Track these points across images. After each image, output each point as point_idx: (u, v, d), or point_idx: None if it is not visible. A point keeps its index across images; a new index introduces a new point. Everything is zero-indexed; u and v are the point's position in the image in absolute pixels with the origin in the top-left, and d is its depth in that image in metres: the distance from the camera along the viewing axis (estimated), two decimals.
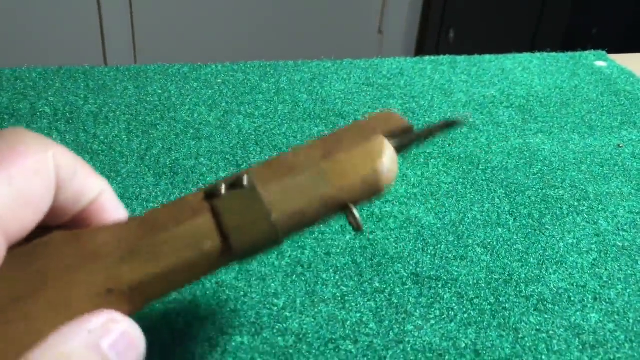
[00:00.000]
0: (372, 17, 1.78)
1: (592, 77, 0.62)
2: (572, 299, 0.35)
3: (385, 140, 0.25)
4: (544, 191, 0.44)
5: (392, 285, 0.35)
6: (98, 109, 0.50)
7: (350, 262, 0.36)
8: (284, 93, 0.54)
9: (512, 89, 0.58)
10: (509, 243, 0.39)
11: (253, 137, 0.48)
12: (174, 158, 0.45)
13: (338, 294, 0.34)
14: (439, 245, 0.38)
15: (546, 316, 0.34)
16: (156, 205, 0.37)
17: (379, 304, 0.34)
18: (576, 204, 0.43)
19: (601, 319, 0.34)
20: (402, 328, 0.32)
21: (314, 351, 0.31)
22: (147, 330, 0.31)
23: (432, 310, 0.33)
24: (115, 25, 1.56)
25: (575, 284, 0.36)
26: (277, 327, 0.32)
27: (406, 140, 0.27)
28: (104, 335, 0.20)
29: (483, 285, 0.35)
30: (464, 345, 0.32)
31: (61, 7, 1.49)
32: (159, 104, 0.51)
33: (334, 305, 0.33)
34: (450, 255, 0.37)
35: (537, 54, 0.66)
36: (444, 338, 0.32)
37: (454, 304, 0.34)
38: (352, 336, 0.32)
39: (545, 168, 0.47)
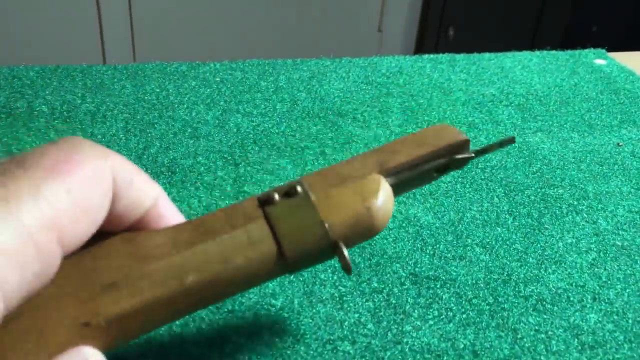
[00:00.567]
0: (372, 16, 1.78)
1: (591, 75, 0.62)
2: (571, 299, 0.35)
3: (381, 178, 0.24)
4: (543, 190, 0.44)
5: (390, 285, 0.35)
6: (96, 107, 0.49)
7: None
8: (283, 91, 0.54)
9: (512, 87, 0.58)
10: (507, 242, 0.38)
11: (251, 135, 0.48)
12: (171, 157, 0.44)
13: (336, 295, 0.34)
14: (438, 245, 0.38)
15: (545, 316, 0.33)
16: None
17: (377, 304, 0.33)
18: (575, 203, 0.43)
19: (600, 319, 0.34)
20: (400, 328, 0.32)
21: (311, 352, 0.30)
22: None
23: (431, 310, 0.33)
24: (113, 24, 1.56)
25: (574, 284, 0.36)
26: (274, 327, 0.32)
27: (461, 158, 0.26)
28: None
29: (482, 285, 0.35)
30: (462, 345, 0.31)
31: (59, 6, 1.49)
32: (156, 102, 0.51)
33: (332, 305, 0.33)
34: (448, 255, 0.37)
35: (537, 52, 0.66)
36: (442, 339, 0.32)
37: (452, 304, 0.34)
38: (350, 337, 0.31)
39: (545, 167, 0.46)
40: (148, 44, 1.61)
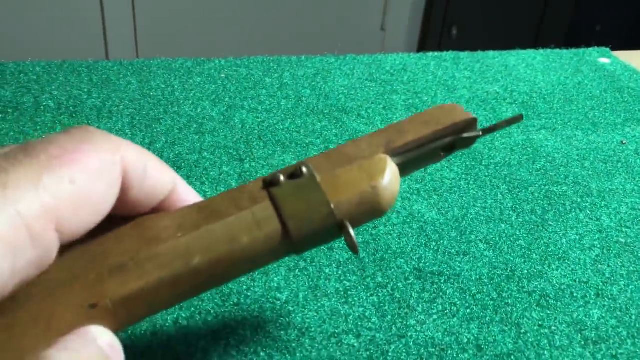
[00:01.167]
0: (375, 14, 1.78)
1: (595, 73, 0.62)
2: (575, 295, 0.35)
3: (388, 158, 0.24)
4: (547, 187, 0.44)
5: (394, 280, 0.35)
6: (101, 103, 0.50)
7: (353, 257, 0.36)
8: (287, 88, 0.54)
9: (515, 85, 0.58)
10: (511, 239, 0.39)
11: (256, 132, 0.48)
12: (177, 152, 0.45)
13: (341, 289, 0.34)
14: (442, 241, 0.38)
15: (548, 312, 0.34)
16: None
17: (382, 298, 0.34)
18: (579, 200, 0.43)
19: (603, 315, 0.34)
20: (404, 323, 0.32)
21: (316, 345, 0.31)
22: (150, 323, 0.32)
23: (435, 305, 0.33)
24: (117, 20, 1.56)
25: (577, 280, 0.36)
26: (280, 321, 0.32)
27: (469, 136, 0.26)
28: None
29: (486, 280, 0.35)
30: (466, 340, 0.32)
31: (64, 1, 1.49)
32: (162, 98, 0.51)
33: (337, 299, 0.33)
34: (452, 250, 0.37)
35: (541, 51, 0.66)
36: (446, 333, 0.32)
37: (456, 299, 0.34)
38: (354, 330, 0.32)
39: (549, 164, 0.47)
40: (151, 40, 1.62)
